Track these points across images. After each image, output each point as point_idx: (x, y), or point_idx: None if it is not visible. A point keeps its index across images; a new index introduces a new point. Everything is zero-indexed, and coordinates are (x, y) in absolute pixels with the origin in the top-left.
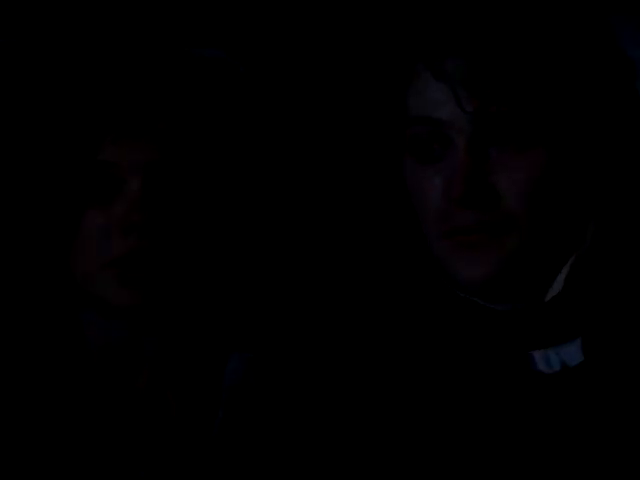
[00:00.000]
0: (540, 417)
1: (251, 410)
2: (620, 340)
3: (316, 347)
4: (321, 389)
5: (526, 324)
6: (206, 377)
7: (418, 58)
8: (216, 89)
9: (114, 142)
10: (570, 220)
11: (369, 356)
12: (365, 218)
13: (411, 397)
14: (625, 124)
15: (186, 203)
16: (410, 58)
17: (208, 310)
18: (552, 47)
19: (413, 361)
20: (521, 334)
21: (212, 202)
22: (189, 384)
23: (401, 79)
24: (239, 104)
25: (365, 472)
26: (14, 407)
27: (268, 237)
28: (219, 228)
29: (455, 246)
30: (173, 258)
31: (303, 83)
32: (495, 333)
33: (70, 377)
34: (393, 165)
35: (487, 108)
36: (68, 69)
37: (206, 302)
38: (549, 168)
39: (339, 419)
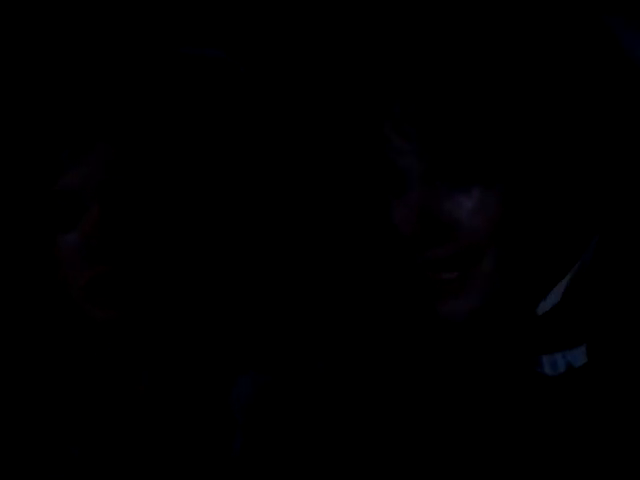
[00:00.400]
0: (544, 417)
1: (270, 432)
2: (624, 344)
3: (329, 361)
4: (334, 405)
5: (535, 330)
6: (211, 398)
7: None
8: (216, 90)
9: (71, 168)
10: (559, 236)
11: (380, 368)
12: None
13: (423, 408)
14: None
15: (165, 219)
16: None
17: (210, 329)
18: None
19: (423, 370)
20: (530, 339)
21: (207, 209)
22: (193, 400)
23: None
24: (240, 106)
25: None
26: (12, 407)
27: (269, 252)
28: (212, 242)
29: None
30: (146, 278)
31: (299, 88)
32: (504, 338)
33: (72, 373)
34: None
35: (433, 145)
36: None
37: (206, 320)
38: (511, 202)
39: (355, 434)
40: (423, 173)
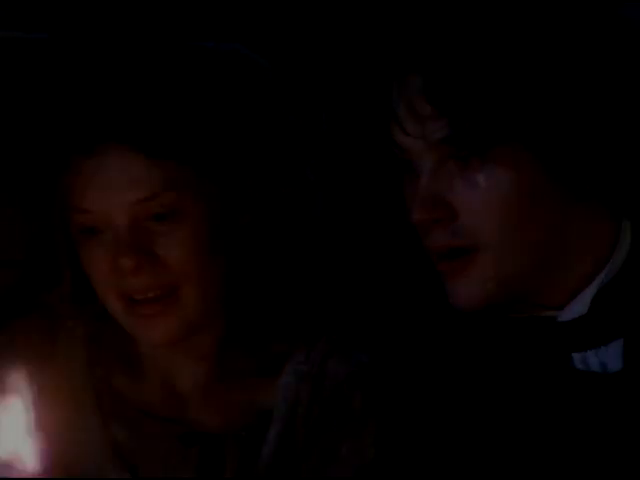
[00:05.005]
0: (579, 413)
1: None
2: None
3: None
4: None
5: (565, 329)
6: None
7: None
8: (238, 85)
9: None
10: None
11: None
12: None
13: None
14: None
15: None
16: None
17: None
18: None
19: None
20: (560, 338)
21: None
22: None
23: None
24: (263, 100)
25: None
26: None
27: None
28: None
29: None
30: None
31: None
32: (538, 337)
33: None
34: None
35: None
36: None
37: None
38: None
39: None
40: (435, 160)
